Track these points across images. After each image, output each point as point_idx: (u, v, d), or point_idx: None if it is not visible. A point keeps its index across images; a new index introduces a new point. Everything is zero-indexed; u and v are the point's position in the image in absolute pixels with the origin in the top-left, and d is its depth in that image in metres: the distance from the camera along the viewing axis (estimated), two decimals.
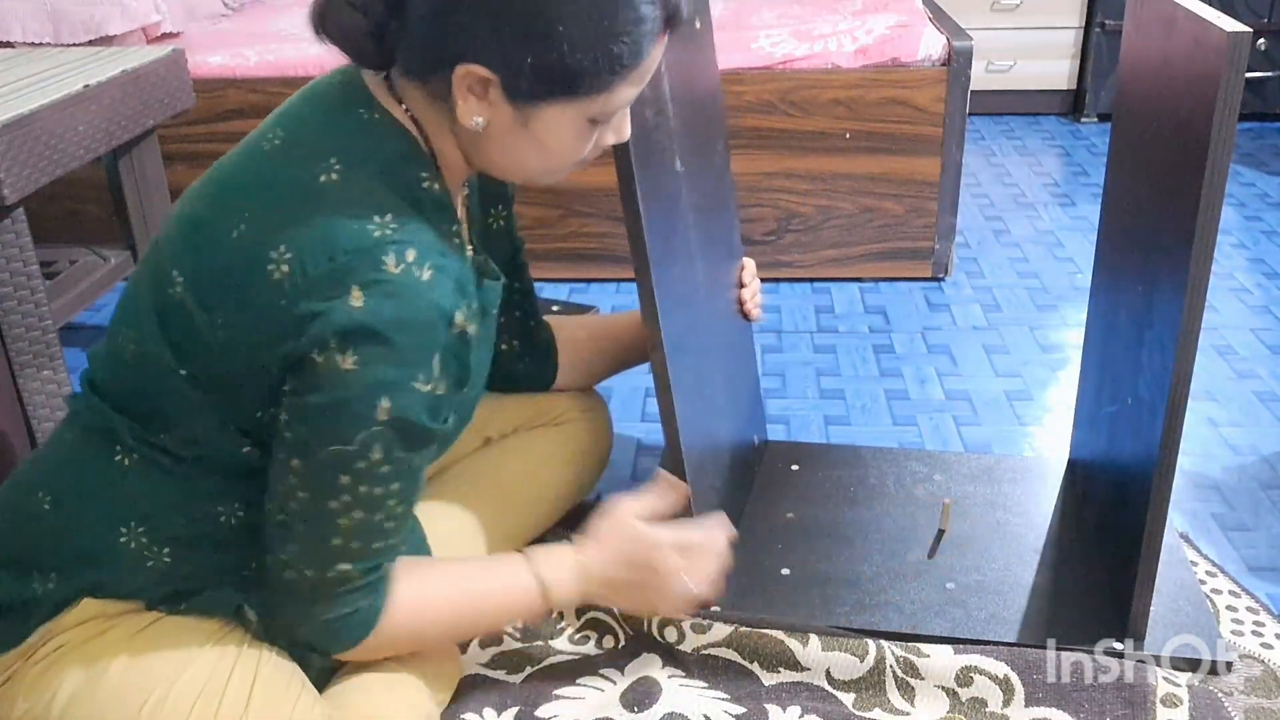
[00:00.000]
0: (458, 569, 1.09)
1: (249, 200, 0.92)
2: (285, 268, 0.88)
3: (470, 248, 1.05)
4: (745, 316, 1.51)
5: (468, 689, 1.15)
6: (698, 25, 1.34)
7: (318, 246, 0.88)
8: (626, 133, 1.02)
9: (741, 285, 1.49)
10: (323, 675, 1.05)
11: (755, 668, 1.19)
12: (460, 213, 1.06)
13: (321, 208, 0.90)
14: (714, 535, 1.16)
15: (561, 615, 1.27)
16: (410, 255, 0.89)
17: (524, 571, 1.08)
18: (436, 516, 1.21)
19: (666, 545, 1.11)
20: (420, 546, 1.14)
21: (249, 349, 0.91)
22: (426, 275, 0.89)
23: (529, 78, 0.89)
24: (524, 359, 1.38)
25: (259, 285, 0.89)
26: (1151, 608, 1.21)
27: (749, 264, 1.51)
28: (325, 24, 0.92)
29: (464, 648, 1.21)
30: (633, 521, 1.12)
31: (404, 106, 0.96)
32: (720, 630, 1.21)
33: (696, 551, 1.13)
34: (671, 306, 1.19)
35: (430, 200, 0.96)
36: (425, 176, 0.96)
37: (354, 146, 0.94)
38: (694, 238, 1.29)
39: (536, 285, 1.37)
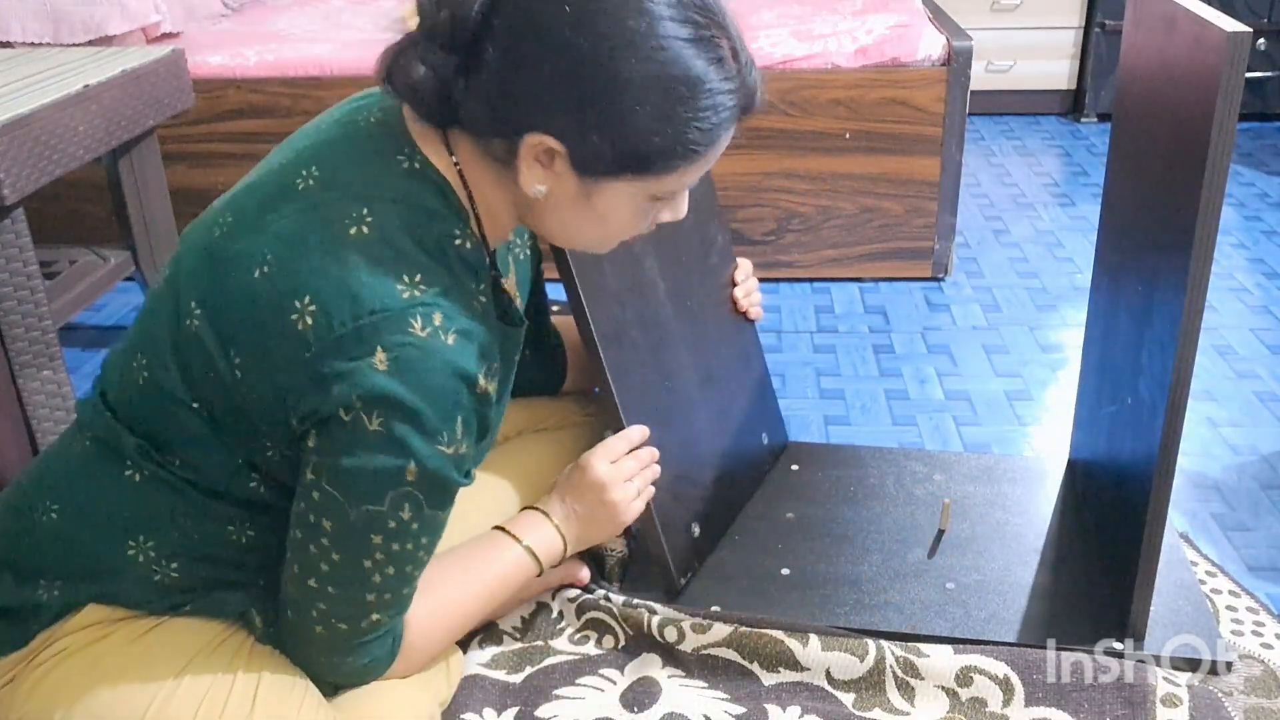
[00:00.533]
0: (459, 568, 1.10)
1: (276, 240, 0.90)
2: (309, 319, 0.87)
3: (502, 290, 1.04)
4: (744, 316, 1.52)
5: (468, 689, 1.15)
6: None
7: (344, 303, 0.87)
8: (683, 211, 1.01)
9: (734, 284, 1.49)
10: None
11: (755, 667, 1.19)
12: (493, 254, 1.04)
13: (350, 261, 0.88)
14: (629, 433, 1.24)
15: (562, 615, 1.27)
16: (437, 319, 0.88)
17: (516, 547, 1.15)
18: None
19: (595, 459, 1.20)
20: None
21: (266, 391, 0.90)
22: (451, 340, 0.89)
23: (600, 154, 0.89)
24: (534, 365, 1.37)
25: (281, 331, 0.88)
26: (1151, 608, 1.21)
27: (744, 264, 1.51)
28: (392, 77, 0.91)
29: (464, 647, 1.21)
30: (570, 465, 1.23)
31: (453, 157, 0.95)
32: (720, 630, 1.21)
33: (623, 455, 1.22)
34: (603, 302, 1.24)
35: (460, 259, 0.94)
36: (458, 234, 0.94)
37: (388, 196, 0.92)
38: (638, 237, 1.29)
39: None
